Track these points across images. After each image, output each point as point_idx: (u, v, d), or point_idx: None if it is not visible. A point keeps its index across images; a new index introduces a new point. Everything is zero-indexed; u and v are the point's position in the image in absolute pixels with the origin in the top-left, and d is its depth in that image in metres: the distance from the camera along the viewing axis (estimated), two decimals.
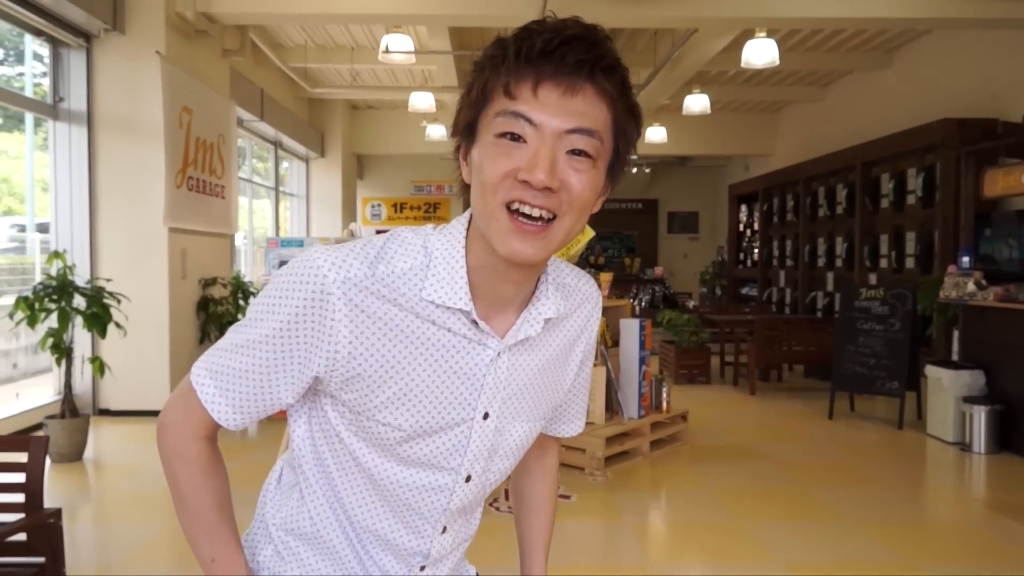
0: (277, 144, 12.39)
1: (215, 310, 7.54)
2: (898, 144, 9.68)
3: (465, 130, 0.98)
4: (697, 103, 11.40)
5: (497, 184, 0.91)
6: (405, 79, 12.39)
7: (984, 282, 5.78)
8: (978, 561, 3.75)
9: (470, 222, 1.02)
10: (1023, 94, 7.46)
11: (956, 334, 6.24)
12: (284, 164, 14.06)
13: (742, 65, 8.45)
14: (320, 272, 0.94)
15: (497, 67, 0.91)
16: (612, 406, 5.42)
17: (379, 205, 18.54)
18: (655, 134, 14.06)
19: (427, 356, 0.98)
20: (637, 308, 12.11)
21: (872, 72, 11.16)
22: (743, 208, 16.10)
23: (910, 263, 9.53)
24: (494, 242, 0.93)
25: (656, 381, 5.76)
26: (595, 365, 5.24)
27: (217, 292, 7.74)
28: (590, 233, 5.93)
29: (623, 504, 4.51)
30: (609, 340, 5.63)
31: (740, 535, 3.98)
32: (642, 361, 5.52)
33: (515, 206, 0.91)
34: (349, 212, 15.11)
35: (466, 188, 1.02)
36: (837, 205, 11.52)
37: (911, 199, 9.57)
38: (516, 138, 0.91)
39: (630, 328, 5.51)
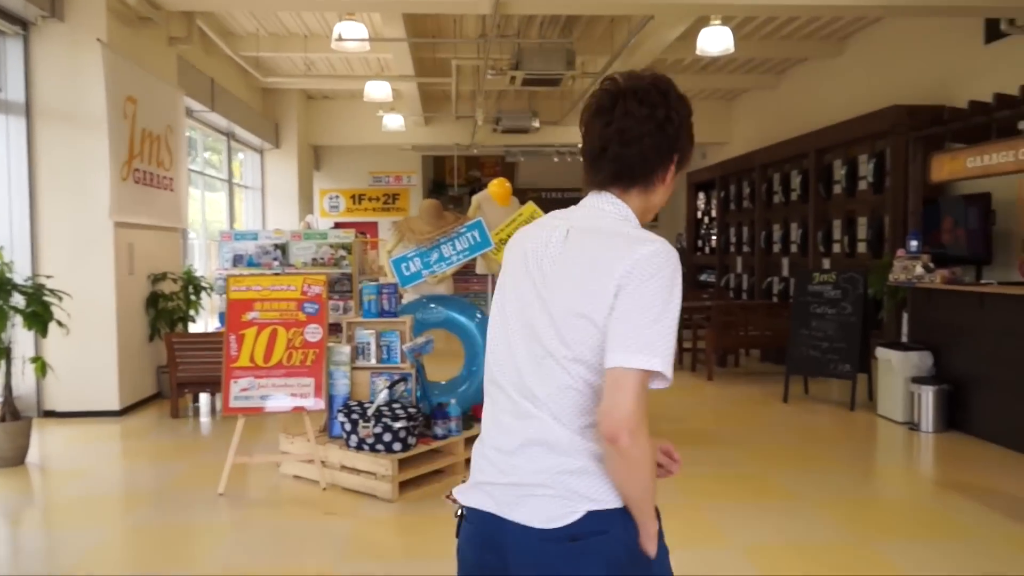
0: (230, 135, 12.13)
1: (165, 306, 7.37)
2: (850, 131, 9.82)
3: (686, 157, 1.52)
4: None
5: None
6: (361, 68, 12.22)
7: (931, 265, 5.89)
8: (928, 537, 3.84)
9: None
10: (969, 81, 7.63)
11: (905, 317, 6.35)
12: (240, 155, 13.79)
13: (697, 52, 8.50)
14: (673, 250, 1.37)
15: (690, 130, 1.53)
16: None
17: (337, 197, 18.31)
18: None
19: None
20: None
21: (825, 60, 11.31)
22: (701, 195, 16.23)
23: (862, 248, 9.70)
24: (652, 217, 1.54)
25: None
26: None
27: (167, 287, 7.55)
28: (532, 208, 5.91)
29: None
30: None
31: (696, 520, 4.01)
32: None
33: None
34: (306, 204, 14.89)
35: (644, 178, 1.46)
36: (792, 192, 11.67)
37: (863, 185, 9.73)
38: None
39: None
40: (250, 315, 4.61)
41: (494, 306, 1.54)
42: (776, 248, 12.14)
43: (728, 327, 8.07)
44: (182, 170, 8.02)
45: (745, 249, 13.42)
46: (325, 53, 11.03)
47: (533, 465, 1.36)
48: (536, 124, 14.17)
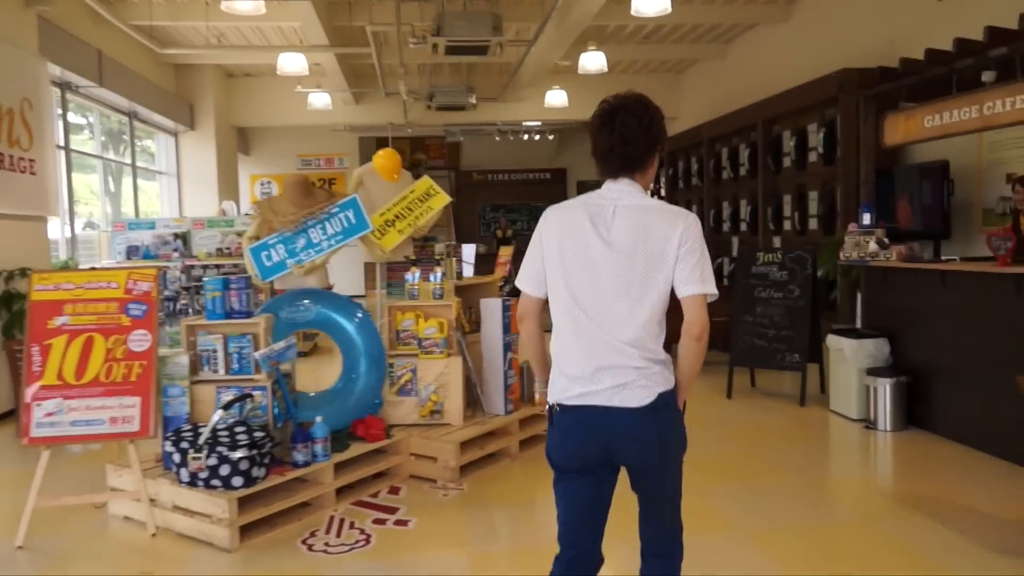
0: (132, 115, 11.04)
1: (23, 307, 6.37)
2: (798, 99, 9.12)
3: (655, 155, 2.17)
4: (593, 61, 10.65)
5: None
6: (276, 38, 11.19)
7: (886, 241, 5.20)
8: (882, 566, 3.12)
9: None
10: (921, 39, 6.94)
11: (859, 300, 5.67)
12: (154, 139, 12.69)
13: (632, 13, 7.71)
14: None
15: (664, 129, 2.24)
16: (474, 402, 4.61)
17: (269, 183, 17.20)
18: (555, 97, 13.26)
19: None
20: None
21: (772, 26, 10.60)
22: None
23: (813, 224, 9.04)
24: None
25: (527, 369, 4.98)
26: (449, 355, 4.43)
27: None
28: (444, 200, 5.09)
29: (474, 525, 3.72)
30: (468, 325, 4.80)
31: (614, 545, 3.23)
32: (507, 348, 4.72)
33: None
34: (230, 190, 13.82)
35: (643, 165, 2.14)
36: (740, 166, 10.99)
37: (813, 156, 9.06)
38: None
39: (491, 309, 4.70)
40: (58, 320, 3.70)
41: (555, 271, 2.10)
42: (726, 227, 11.47)
43: (668, 313, 7.31)
44: (47, 150, 7.01)
45: None
46: (231, 22, 10.02)
47: (623, 371, 2.02)
48: (472, 100, 13.29)
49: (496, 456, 4.58)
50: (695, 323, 2.01)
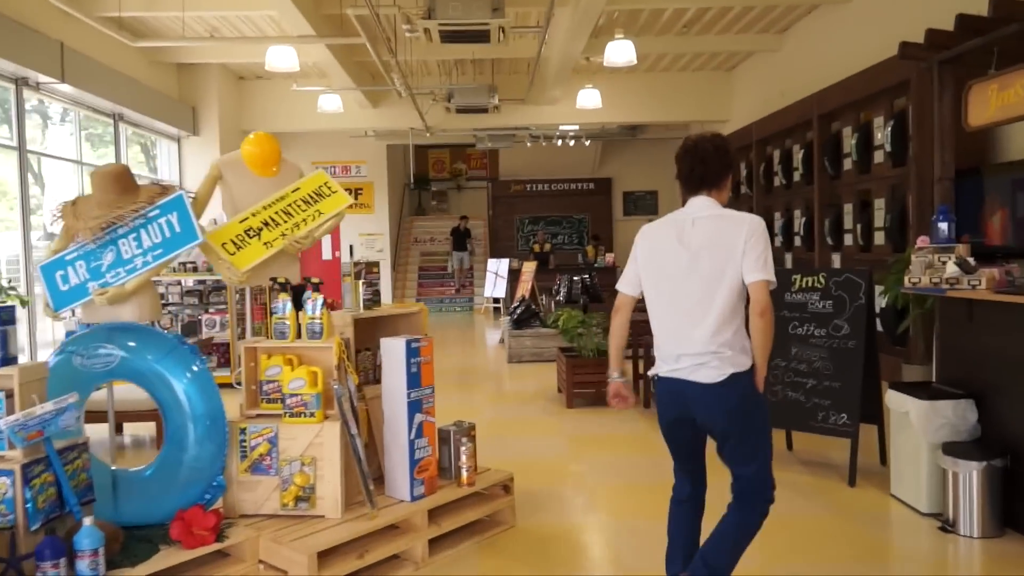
0: (117, 117, 10.18)
1: None
2: (861, 86, 7.53)
3: (728, 177, 2.67)
4: (620, 52, 9.17)
5: None
6: (272, 29, 10.17)
7: (972, 261, 3.64)
8: None
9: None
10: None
11: (935, 342, 4.11)
12: (154, 143, 11.89)
13: None
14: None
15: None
16: (364, 485, 3.27)
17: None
18: (588, 98, 11.86)
19: None
20: (552, 304, 9.95)
21: (832, 7, 9.02)
22: None
23: (879, 238, 7.41)
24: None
25: (457, 435, 3.63)
26: (325, 417, 3.12)
27: None
28: (341, 201, 3.81)
29: None
30: (357, 375, 3.47)
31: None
32: (417, 406, 3.38)
33: None
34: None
35: (718, 185, 2.63)
36: (794, 171, 9.39)
37: (879, 156, 7.44)
38: None
39: (393, 353, 3.37)
40: None
41: (648, 277, 2.65)
42: (778, 242, 9.85)
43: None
44: None
45: None
46: (210, 11, 9.05)
47: (700, 355, 2.48)
48: (495, 102, 12.03)
49: (394, 562, 3.24)
50: (758, 302, 2.46)
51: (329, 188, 3.70)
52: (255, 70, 12.52)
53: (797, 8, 9.48)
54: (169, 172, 12.03)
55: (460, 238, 17.19)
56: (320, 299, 3.35)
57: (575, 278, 9.30)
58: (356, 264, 3.83)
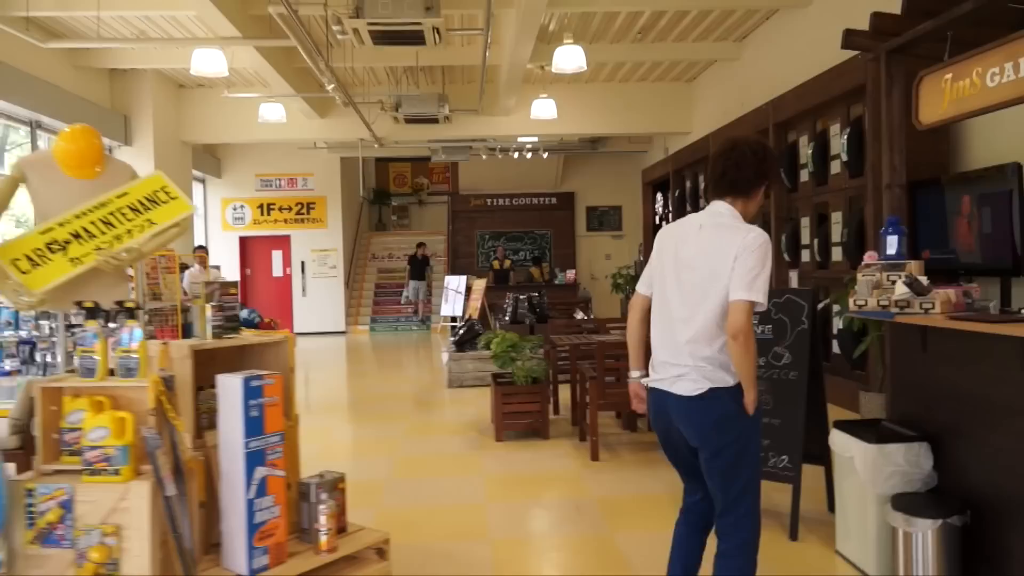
0: (34, 124, 9.50)
1: None
2: (815, 92, 7.09)
3: (767, 185, 2.54)
4: (569, 59, 8.67)
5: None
6: (200, 30, 9.55)
7: (926, 281, 3.12)
8: None
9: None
10: None
11: (884, 374, 3.58)
12: None
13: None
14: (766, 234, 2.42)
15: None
16: (182, 559, 2.65)
17: (242, 207, 15.68)
18: (542, 109, 11.32)
19: None
20: (497, 324, 9.38)
21: (791, 12, 8.60)
22: (659, 197, 13.50)
23: (837, 254, 6.94)
24: (751, 219, 2.52)
25: (319, 489, 3.03)
26: (136, 474, 2.51)
27: None
28: (180, 209, 3.21)
29: None
30: (181, 422, 2.86)
31: None
32: (257, 458, 2.78)
33: None
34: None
35: (745, 192, 2.51)
36: None
37: (836, 167, 6.98)
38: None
39: (229, 393, 2.77)
40: None
41: (654, 279, 2.60)
42: None
43: (620, 376, 5.32)
44: None
45: None
46: (127, 10, 8.43)
47: (683, 364, 2.43)
48: (445, 112, 11.49)
49: None
50: (732, 324, 2.33)
51: (167, 194, 3.12)
52: (196, 78, 11.88)
53: (756, 14, 9.06)
54: None
55: (417, 267, 15.80)
56: (137, 328, 2.75)
57: (520, 297, 8.72)
58: (208, 284, 3.23)
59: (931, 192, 5.23)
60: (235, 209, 15.67)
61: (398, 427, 6.67)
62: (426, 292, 15.89)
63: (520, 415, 5.89)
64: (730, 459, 2.41)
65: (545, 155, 15.48)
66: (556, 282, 15.86)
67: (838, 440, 3.36)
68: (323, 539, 2.93)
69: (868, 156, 6.08)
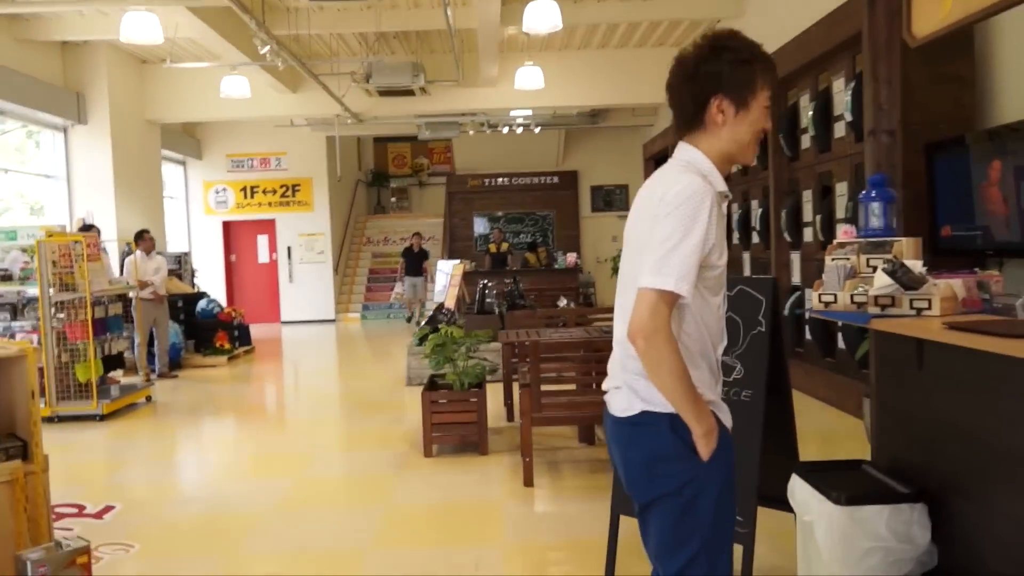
0: None
1: None
2: (817, 41, 6.01)
3: (742, 96, 1.69)
4: (542, 17, 7.65)
5: (760, 131, 1.73)
6: None
7: (919, 267, 2.11)
8: None
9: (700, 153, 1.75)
10: None
11: (866, 405, 2.59)
12: (31, 133, 10.45)
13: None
14: (704, 185, 1.65)
15: (768, 72, 1.72)
16: None
17: (225, 190, 14.88)
18: (527, 78, 10.30)
19: (722, 223, 1.69)
20: (456, 316, 8.40)
21: None
22: None
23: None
24: (745, 157, 1.76)
25: (40, 566, 2.13)
26: None
27: None
28: None
29: None
30: None
31: None
32: None
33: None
34: (145, 197, 11.45)
35: (698, 123, 1.73)
36: None
37: (840, 129, 5.91)
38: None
39: None
40: None
41: None
42: (735, 239, 8.32)
43: (560, 381, 4.36)
44: None
45: None
46: None
47: (615, 370, 1.77)
48: (420, 82, 10.55)
49: None
50: (631, 323, 1.63)
51: None
52: (159, 52, 11.03)
53: None
54: (54, 165, 10.59)
55: (413, 260, 13.61)
56: None
57: (488, 283, 7.76)
58: None
59: (953, 153, 4.18)
60: (217, 192, 14.89)
61: (324, 437, 5.79)
62: (424, 287, 13.62)
63: (452, 426, 4.96)
64: (668, 519, 1.69)
65: (537, 130, 14.42)
66: (556, 266, 14.86)
67: (798, 494, 2.38)
68: None
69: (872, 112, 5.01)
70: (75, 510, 4.18)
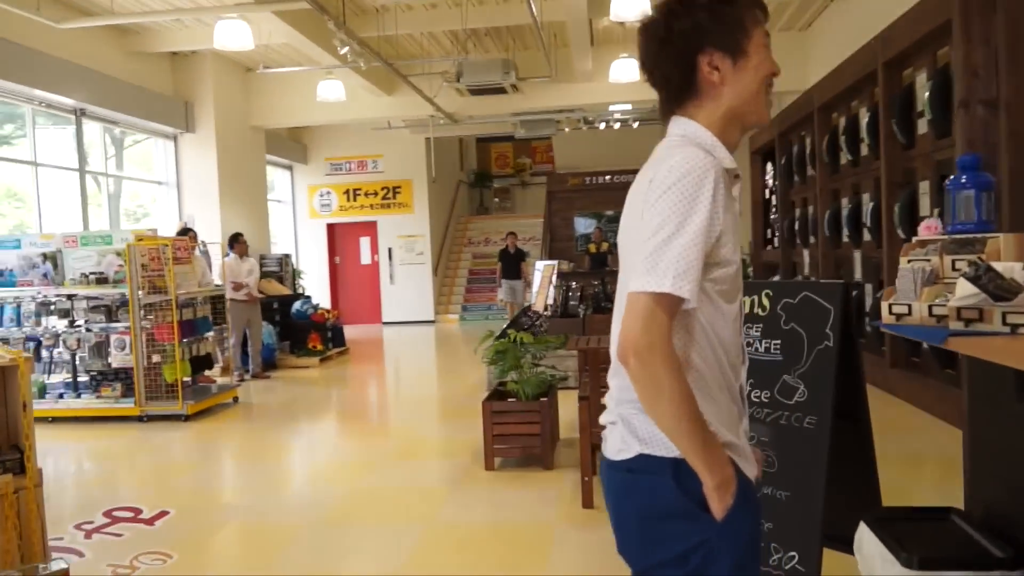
0: (79, 113, 9.25)
1: None
2: (934, 10, 5.33)
3: (735, 42, 1.37)
4: (628, 5, 7.24)
5: (768, 76, 1.41)
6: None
7: (1021, 271, 1.64)
8: None
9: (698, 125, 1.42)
10: None
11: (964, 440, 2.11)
12: (137, 142, 11.00)
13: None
14: (705, 158, 1.31)
15: (754, 5, 1.40)
16: None
17: (329, 193, 15.24)
18: (623, 70, 9.86)
19: (733, 208, 1.36)
20: (550, 310, 8.08)
21: None
22: (768, 167, 11.67)
23: None
24: (757, 116, 1.43)
25: None
26: None
27: None
28: None
29: None
30: None
31: None
32: None
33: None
34: (249, 202, 11.82)
35: (690, 92, 1.40)
36: (860, 142, 7.14)
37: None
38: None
39: None
40: None
41: None
42: (845, 236, 7.61)
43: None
44: None
45: (811, 239, 8.88)
46: None
47: (610, 402, 1.44)
48: (512, 79, 10.33)
49: None
50: (621, 336, 1.29)
51: None
52: (257, 59, 11.37)
53: None
54: (166, 172, 11.10)
55: (510, 262, 12.87)
56: None
57: (573, 284, 7.43)
58: None
59: None
60: (321, 196, 15.26)
61: (390, 445, 5.65)
62: (523, 291, 12.90)
63: (514, 438, 4.67)
64: None
65: (635, 125, 13.91)
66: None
67: (865, 547, 1.94)
68: None
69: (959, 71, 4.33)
70: (131, 514, 4.19)
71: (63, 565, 2.26)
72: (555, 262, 11.50)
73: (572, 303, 7.35)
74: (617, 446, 1.40)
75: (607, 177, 16.38)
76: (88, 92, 8.92)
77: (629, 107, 12.90)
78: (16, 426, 2.38)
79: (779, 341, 2.45)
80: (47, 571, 2.18)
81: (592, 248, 14.80)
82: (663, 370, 1.24)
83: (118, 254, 6.93)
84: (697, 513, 1.29)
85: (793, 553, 2.33)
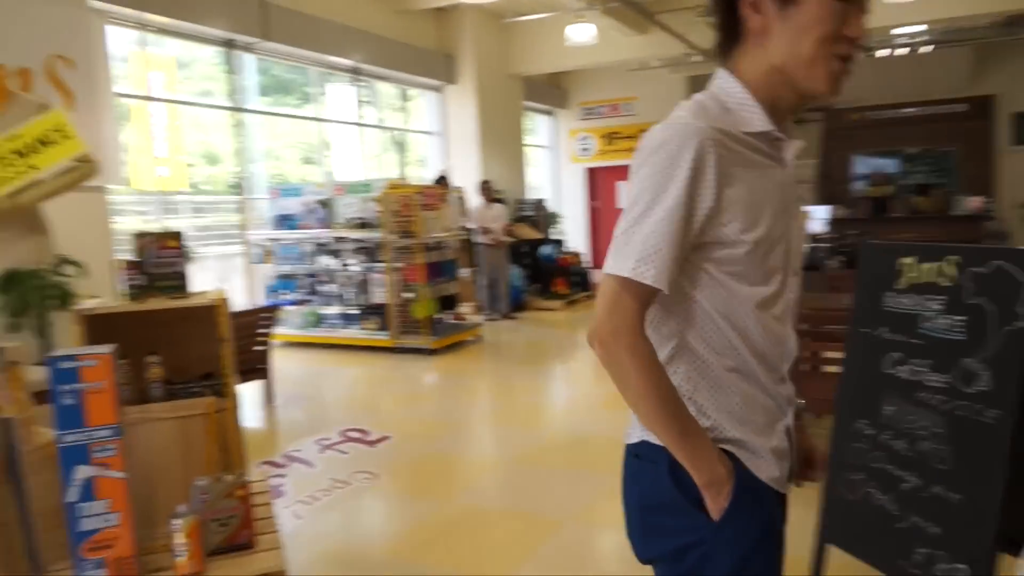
0: (355, 72, 10.30)
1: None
2: None
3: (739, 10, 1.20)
4: None
5: (830, 36, 1.15)
6: None
7: None
8: None
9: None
10: None
11: None
12: (409, 97, 11.98)
13: None
14: (689, 125, 1.16)
15: None
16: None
17: (587, 138, 15.41)
18: None
19: (750, 175, 1.21)
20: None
21: None
22: None
23: None
24: (812, 79, 1.17)
25: (202, 494, 2.44)
26: None
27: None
28: (70, 150, 2.73)
29: None
30: (26, 403, 2.43)
31: None
32: (76, 456, 2.27)
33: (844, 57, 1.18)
34: (504, 151, 12.39)
35: (737, 38, 1.22)
36: None
37: None
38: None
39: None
40: None
41: None
42: None
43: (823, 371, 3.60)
44: (102, 115, 6.37)
45: None
46: None
47: None
48: None
49: None
50: (593, 321, 1.21)
51: (62, 133, 2.70)
52: (514, 7, 11.72)
53: None
54: (434, 123, 12.03)
55: None
56: None
57: (823, 235, 6.80)
58: (141, 237, 2.77)
59: None
60: (581, 140, 15.46)
61: (604, 393, 5.71)
62: None
63: None
64: None
65: (927, 49, 12.07)
66: (953, 213, 12.51)
67: None
68: (179, 560, 2.34)
69: None
70: (359, 434, 4.75)
71: (243, 478, 2.67)
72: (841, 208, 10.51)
73: (819, 256, 6.74)
74: (629, 428, 1.35)
75: (896, 111, 14.50)
76: (364, 52, 9.88)
77: (922, 28, 11.23)
78: (218, 357, 2.80)
79: (962, 317, 2.06)
80: (230, 480, 2.60)
81: (872, 191, 13.33)
82: (627, 356, 1.16)
83: (376, 201, 7.71)
84: (690, 510, 1.21)
85: (959, 565, 1.99)
